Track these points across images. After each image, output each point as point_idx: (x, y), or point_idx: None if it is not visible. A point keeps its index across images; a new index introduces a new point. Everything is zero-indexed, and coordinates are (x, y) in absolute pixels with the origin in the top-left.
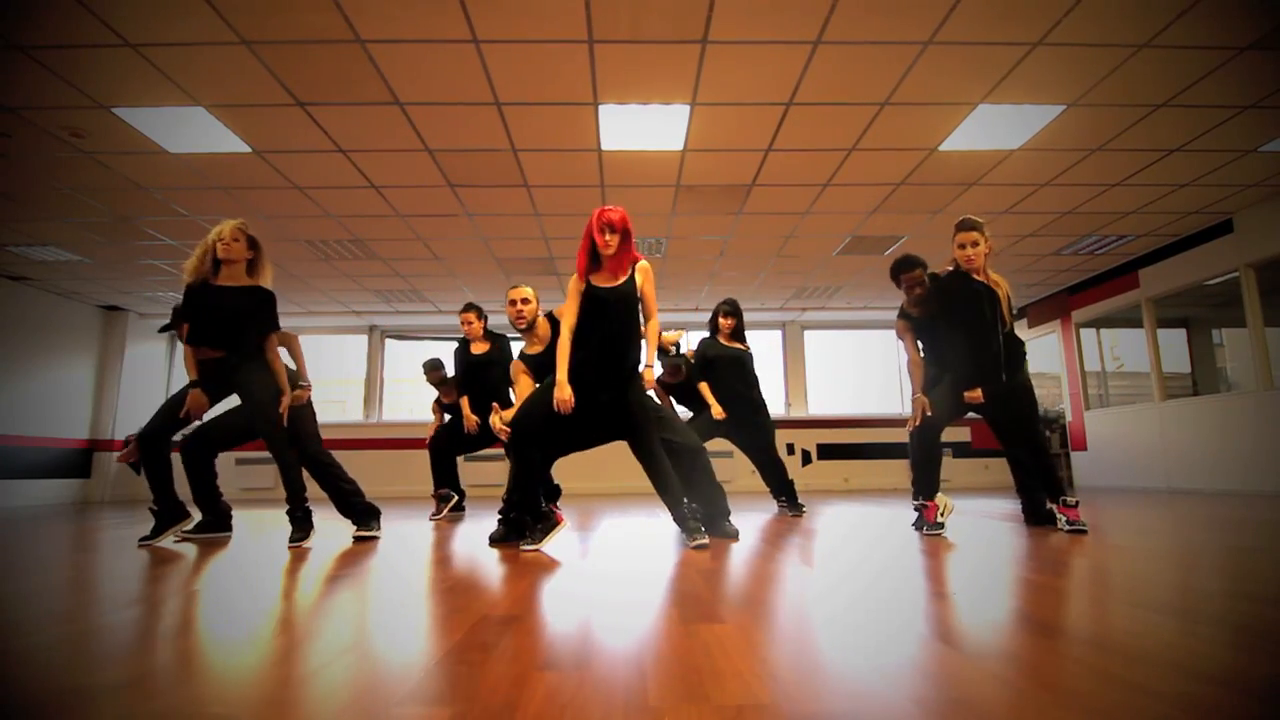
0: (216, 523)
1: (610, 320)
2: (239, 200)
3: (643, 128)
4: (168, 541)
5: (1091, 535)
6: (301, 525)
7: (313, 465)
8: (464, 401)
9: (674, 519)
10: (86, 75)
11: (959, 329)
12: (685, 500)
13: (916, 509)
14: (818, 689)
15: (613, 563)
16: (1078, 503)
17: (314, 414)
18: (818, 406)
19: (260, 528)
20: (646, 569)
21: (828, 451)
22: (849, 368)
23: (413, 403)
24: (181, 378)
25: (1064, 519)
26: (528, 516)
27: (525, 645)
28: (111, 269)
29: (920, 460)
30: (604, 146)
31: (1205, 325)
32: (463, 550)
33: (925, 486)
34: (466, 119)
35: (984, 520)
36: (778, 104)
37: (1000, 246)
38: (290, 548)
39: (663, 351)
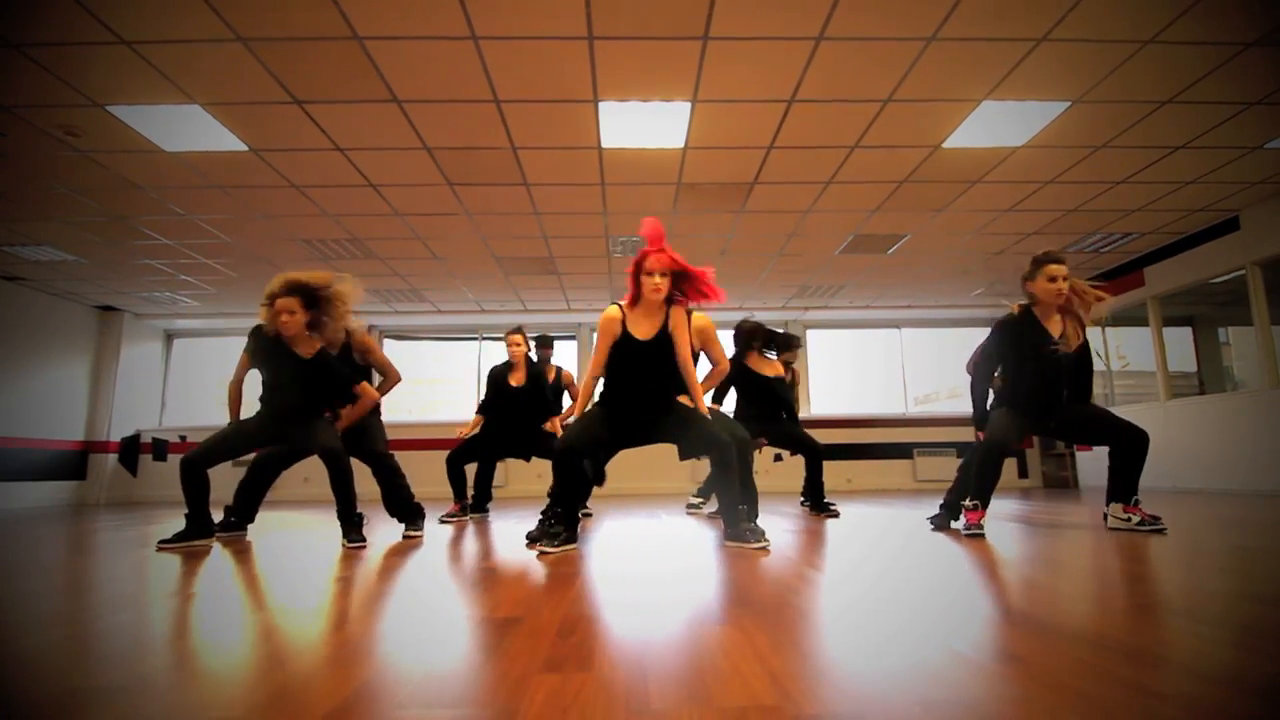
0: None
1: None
2: (236, 199)
3: (643, 125)
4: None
5: (1094, 535)
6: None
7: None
8: (476, 420)
9: (725, 520)
10: (81, 73)
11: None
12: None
13: (966, 508)
14: (821, 690)
15: (613, 564)
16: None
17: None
18: (820, 406)
19: (259, 530)
20: (647, 570)
21: (830, 452)
22: (851, 367)
23: (412, 404)
24: (177, 377)
25: (1135, 518)
26: (560, 523)
27: (526, 647)
28: (107, 269)
29: (988, 473)
30: (604, 144)
31: (1211, 323)
32: (462, 552)
33: (983, 493)
34: (465, 117)
35: (987, 520)
36: (779, 101)
37: (1003, 245)
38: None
39: None
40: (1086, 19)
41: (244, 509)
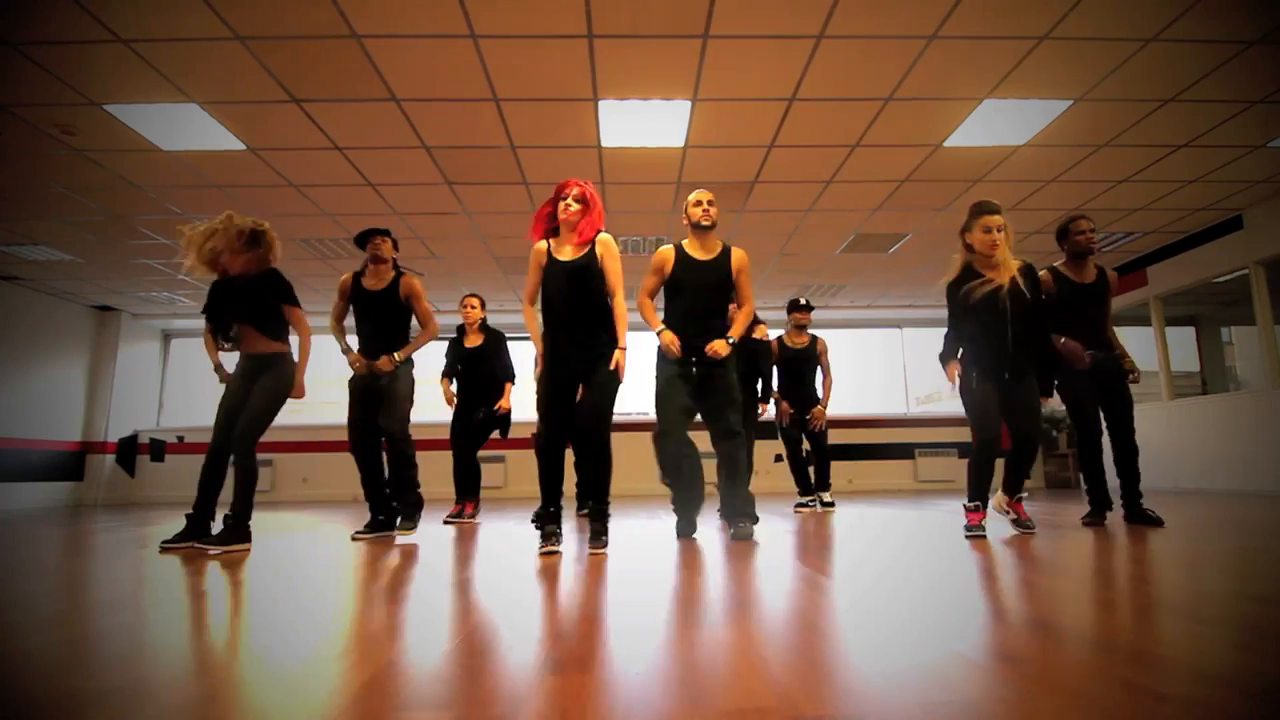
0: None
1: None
2: (234, 199)
3: (643, 124)
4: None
5: (1096, 536)
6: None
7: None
8: (444, 383)
9: (591, 515)
10: (79, 72)
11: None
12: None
13: (967, 508)
14: (820, 691)
15: (614, 564)
16: (1025, 498)
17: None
18: None
19: (259, 532)
20: (647, 570)
21: (830, 452)
22: (852, 367)
23: None
24: (175, 378)
25: (1013, 514)
26: (551, 521)
27: (526, 648)
28: (105, 269)
29: (984, 472)
30: (604, 143)
31: (1214, 323)
32: (462, 553)
33: (982, 493)
34: (464, 115)
35: (988, 521)
36: (780, 100)
37: None
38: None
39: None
40: (1088, 17)
41: (384, 497)
